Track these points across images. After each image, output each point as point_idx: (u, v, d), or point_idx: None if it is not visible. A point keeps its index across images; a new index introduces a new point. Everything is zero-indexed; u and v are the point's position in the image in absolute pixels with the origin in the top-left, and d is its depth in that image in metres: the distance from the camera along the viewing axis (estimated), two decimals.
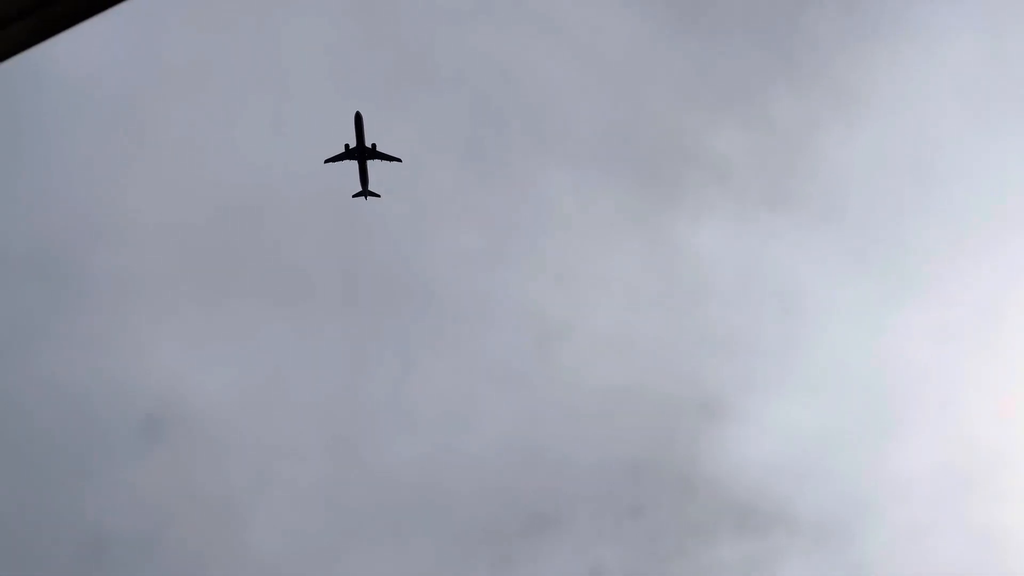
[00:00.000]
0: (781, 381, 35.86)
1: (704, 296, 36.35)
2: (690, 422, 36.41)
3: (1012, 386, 35.32)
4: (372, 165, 51.90)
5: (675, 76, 36.60)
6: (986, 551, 35.34)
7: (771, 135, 36.27)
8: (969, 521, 35.80)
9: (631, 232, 35.91)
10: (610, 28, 37.08)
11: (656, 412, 36.69)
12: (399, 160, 54.73)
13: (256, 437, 38.90)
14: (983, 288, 35.84)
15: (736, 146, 35.65)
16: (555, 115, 37.30)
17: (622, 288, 36.34)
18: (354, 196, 56.43)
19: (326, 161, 55.62)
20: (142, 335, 37.80)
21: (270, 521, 38.09)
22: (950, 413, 35.77)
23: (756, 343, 36.26)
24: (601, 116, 37.73)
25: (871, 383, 36.32)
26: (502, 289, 35.87)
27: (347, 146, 56.16)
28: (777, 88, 35.92)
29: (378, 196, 56.23)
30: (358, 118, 53.82)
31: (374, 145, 55.94)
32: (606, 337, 36.41)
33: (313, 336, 35.73)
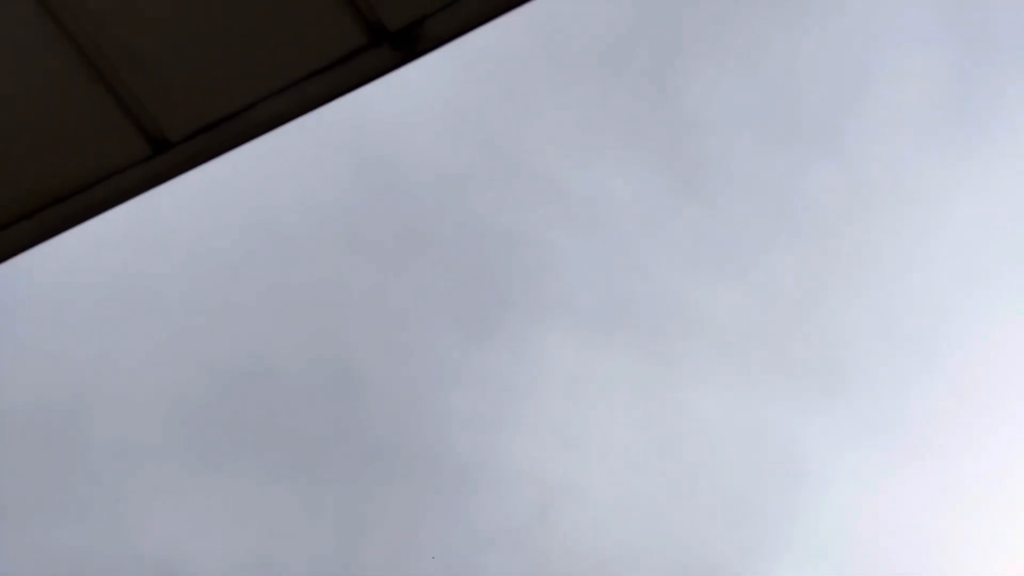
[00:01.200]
0: (784, 549, 35.51)
1: (707, 463, 36.15)
2: None
3: (1017, 556, 35.07)
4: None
5: (676, 242, 36.76)
6: None
7: (772, 302, 36.39)
8: None
9: (633, 398, 35.82)
10: (612, 193, 37.32)
11: None
12: None
13: None
14: (989, 456, 35.68)
15: (737, 313, 35.78)
16: (556, 279, 37.38)
17: (624, 454, 36.14)
18: None
19: None
20: (138, 504, 37.50)
21: None
22: None
23: (759, 511, 35.98)
24: (602, 281, 37.81)
25: (874, 551, 36.02)
26: (503, 454, 35.67)
27: None
28: (778, 254, 36.08)
29: None
30: None
31: None
32: (608, 504, 36.13)
33: (313, 504, 35.48)
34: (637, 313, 37.63)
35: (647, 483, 37.78)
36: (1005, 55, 33.91)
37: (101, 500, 35.99)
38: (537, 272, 37.50)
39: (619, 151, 36.17)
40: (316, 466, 36.60)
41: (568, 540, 38.57)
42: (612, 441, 38.19)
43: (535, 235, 37.47)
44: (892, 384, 36.96)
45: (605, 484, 38.06)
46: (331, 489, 37.02)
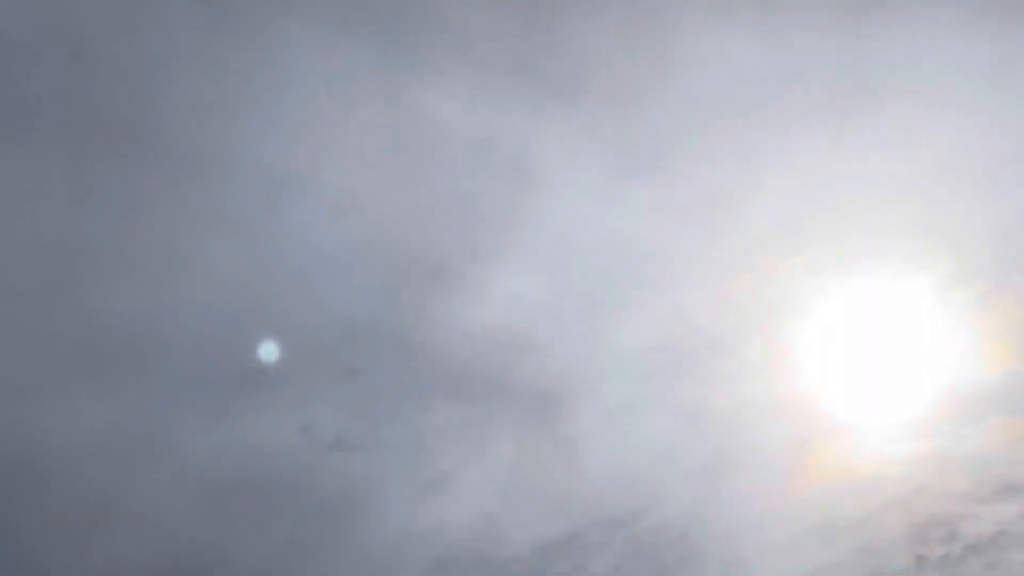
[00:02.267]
0: (508, 252, 36.20)
1: (437, 162, 36.33)
2: (413, 287, 36.54)
3: (731, 272, 36.49)
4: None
5: None
6: (690, 428, 36.65)
7: (513, 4, 36.28)
8: (677, 400, 36.97)
9: (368, 92, 35.55)
10: None
11: (380, 275, 36.70)
12: None
13: None
14: (711, 173, 36.72)
15: (480, 14, 35.59)
16: None
17: (357, 149, 36.05)
18: None
19: None
20: None
21: None
22: (670, 293, 36.72)
23: (486, 212, 36.47)
24: None
25: (597, 259, 36.98)
26: (234, 142, 35.18)
27: None
28: None
29: None
30: None
31: None
32: (335, 196, 36.14)
33: (35, 172, 34.56)
34: (379, 8, 37.08)
35: (378, 179, 37.76)
36: None
37: None
38: None
39: None
40: (41, 135, 35.48)
41: (292, 231, 38.54)
42: (345, 136, 37.91)
43: None
44: (628, 97, 37.45)
45: (335, 177, 37.90)
46: (55, 158, 36.01)
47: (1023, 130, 34.10)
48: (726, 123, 34.85)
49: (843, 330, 36.16)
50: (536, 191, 35.23)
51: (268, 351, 35.10)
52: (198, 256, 36.59)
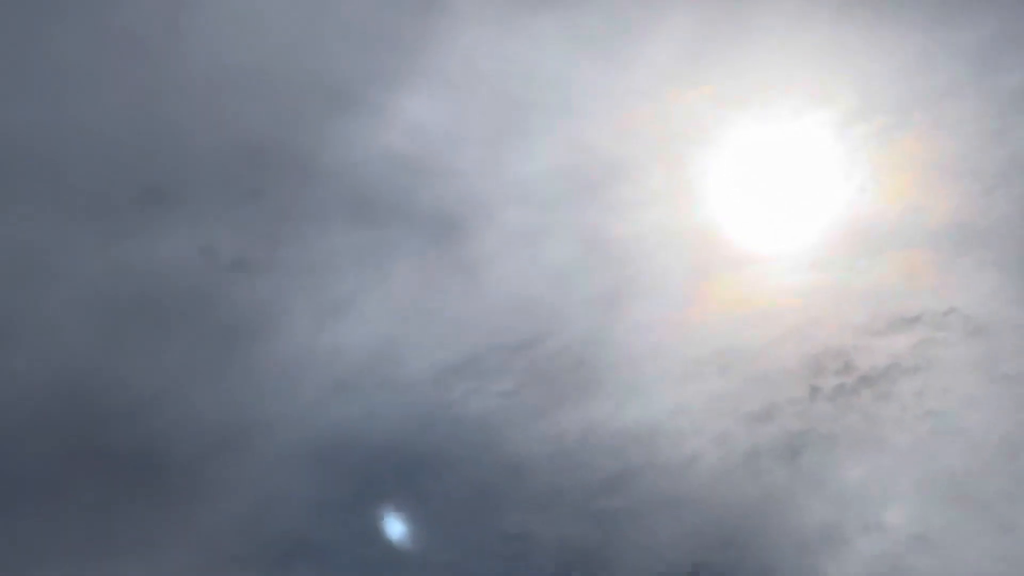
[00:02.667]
0: (412, 77, 35.86)
1: None
2: (316, 110, 36.16)
3: (635, 101, 36.42)
4: None
5: None
6: (591, 255, 36.80)
7: None
8: (579, 227, 37.06)
9: None
10: None
11: (283, 97, 36.27)
12: None
13: None
14: (618, 2, 36.57)
15: None
16: None
17: None
18: None
19: None
20: None
21: None
22: (574, 121, 36.62)
23: (390, 37, 36.05)
24: None
25: (501, 86, 36.76)
26: None
27: None
28: None
29: None
30: None
31: None
32: (236, 15, 35.56)
33: None
34: None
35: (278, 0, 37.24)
36: None
37: None
38: None
39: None
40: None
41: (194, 49, 37.89)
42: None
43: None
44: None
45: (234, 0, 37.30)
46: None
47: None
48: None
49: (745, 162, 36.31)
50: (442, 17, 34.87)
51: (396, 530, 34.74)
52: (97, 72, 35.93)
